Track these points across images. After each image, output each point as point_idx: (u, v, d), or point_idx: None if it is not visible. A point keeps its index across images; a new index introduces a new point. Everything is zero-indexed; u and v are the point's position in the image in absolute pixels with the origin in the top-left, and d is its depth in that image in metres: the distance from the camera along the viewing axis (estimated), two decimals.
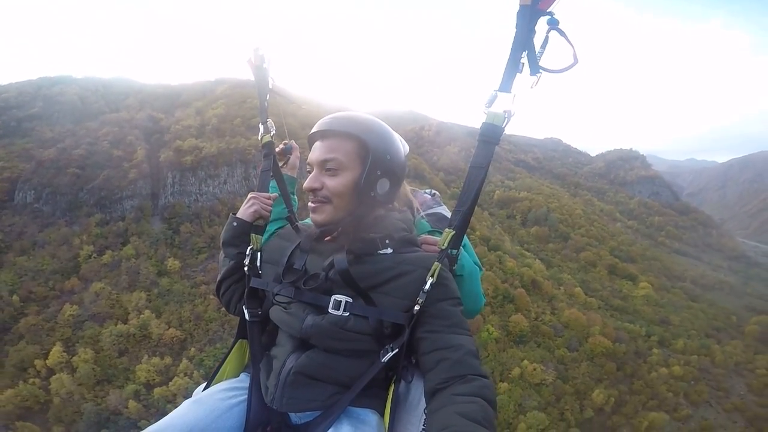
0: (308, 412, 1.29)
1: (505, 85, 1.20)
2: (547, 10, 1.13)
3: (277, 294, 1.36)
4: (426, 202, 1.78)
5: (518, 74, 1.18)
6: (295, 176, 1.86)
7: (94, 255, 54.13)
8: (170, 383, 41.03)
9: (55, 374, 42.53)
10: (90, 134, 67.33)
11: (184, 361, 43.53)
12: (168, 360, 43.74)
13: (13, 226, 58.07)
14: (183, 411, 1.26)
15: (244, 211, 1.57)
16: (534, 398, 43.39)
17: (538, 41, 1.14)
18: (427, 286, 1.23)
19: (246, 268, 1.46)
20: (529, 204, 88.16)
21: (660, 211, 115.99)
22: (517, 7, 1.14)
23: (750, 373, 56.31)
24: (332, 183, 1.31)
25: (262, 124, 1.73)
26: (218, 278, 1.58)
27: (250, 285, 1.44)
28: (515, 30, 1.16)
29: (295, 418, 1.33)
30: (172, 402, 39.70)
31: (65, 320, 47.94)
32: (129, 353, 45.46)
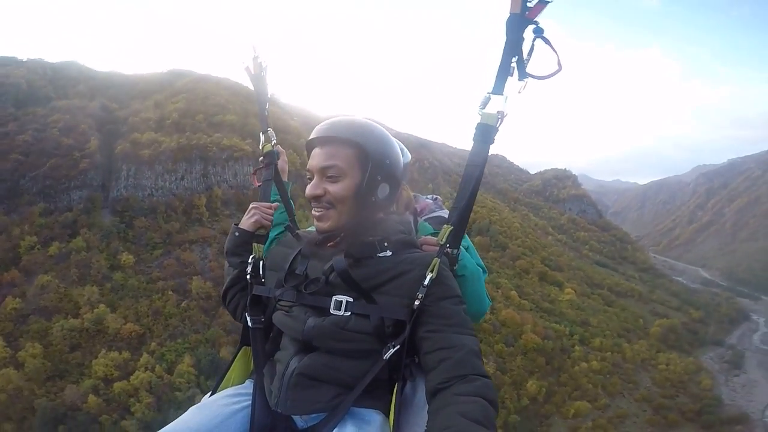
0: (313, 415, 1.31)
1: (498, 88, 1.28)
2: (534, 19, 1.21)
3: (279, 298, 1.40)
4: (428, 206, 1.87)
5: (509, 78, 1.27)
6: (286, 179, 1.89)
7: (38, 246, 51.17)
8: (131, 377, 40.68)
9: None
10: (37, 120, 63.49)
11: (145, 355, 43.08)
12: (126, 354, 43.00)
13: None
14: (187, 417, 1.27)
15: (246, 221, 1.63)
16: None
17: (525, 49, 1.23)
18: (427, 281, 1.24)
19: (248, 277, 1.52)
20: (474, 216, 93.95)
21: (585, 227, 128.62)
22: (507, 15, 1.23)
23: (653, 368, 64.04)
24: (334, 189, 1.33)
25: (263, 133, 1.80)
26: (224, 287, 1.66)
27: (253, 293, 1.50)
28: (506, 36, 1.24)
29: (301, 422, 1.34)
30: (134, 396, 39.76)
31: (7, 314, 45.36)
32: (82, 348, 44.04)
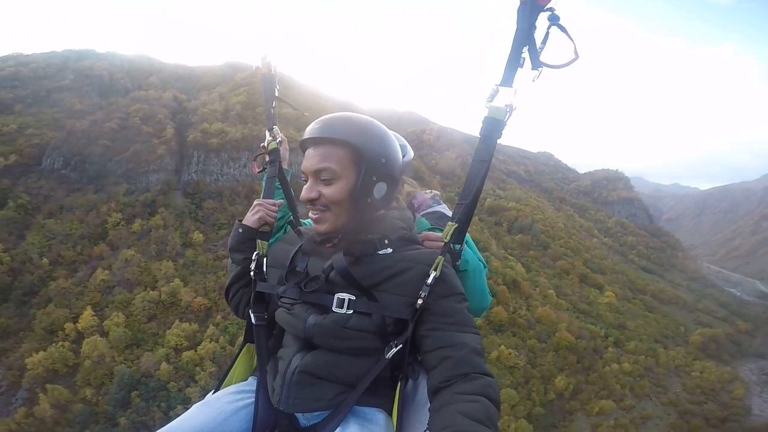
0: (315, 413, 1.31)
1: (507, 80, 1.22)
2: (547, 6, 1.14)
3: (281, 296, 1.39)
4: (425, 201, 1.86)
5: (519, 69, 1.20)
6: (287, 167, 1.87)
7: (122, 223, 58.86)
8: (198, 347, 44.78)
9: (84, 338, 45.03)
10: (121, 110, 72.41)
11: (211, 327, 47.18)
12: (195, 326, 47.24)
13: (40, 189, 62.64)
14: (191, 414, 1.28)
15: (250, 218, 1.60)
16: (507, 378, 50.18)
17: (538, 37, 1.16)
18: (430, 280, 1.22)
19: (252, 273, 1.51)
20: (516, 214, 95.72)
21: (634, 232, 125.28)
22: (518, 3, 1.17)
23: (686, 375, 64.05)
24: (328, 192, 1.30)
25: (269, 130, 1.81)
26: (227, 284, 1.66)
27: (256, 289, 1.49)
28: (516, 25, 1.18)
29: (303, 420, 1.34)
30: (200, 365, 43.61)
31: (96, 285, 50.98)
32: (157, 319, 48.74)
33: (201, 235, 58.91)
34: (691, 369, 64.67)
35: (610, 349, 62.24)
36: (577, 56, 1.15)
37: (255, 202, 1.64)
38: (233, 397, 1.37)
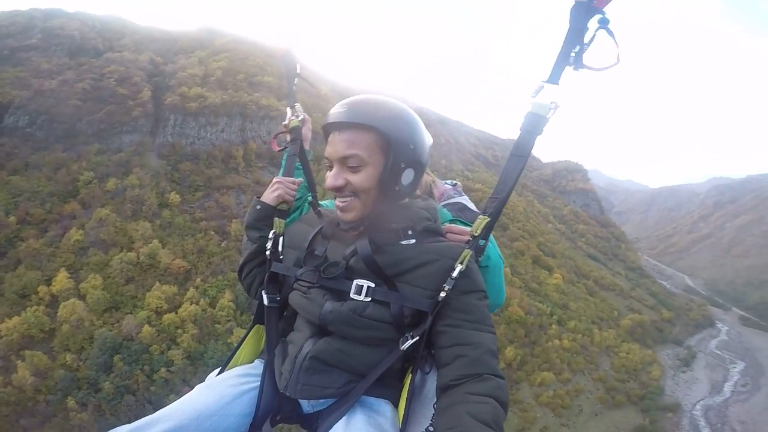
0: (321, 400, 1.30)
1: (554, 77, 1.21)
2: (601, 9, 1.15)
3: (297, 279, 1.38)
4: (447, 191, 1.85)
5: (568, 67, 1.21)
6: (308, 147, 1.84)
7: (95, 181, 57.76)
8: (179, 310, 44.79)
9: (59, 301, 43.35)
10: (93, 70, 70.35)
11: (191, 289, 47.32)
12: (174, 288, 47.24)
13: (2, 146, 59.71)
14: (193, 396, 1.27)
15: (269, 195, 1.59)
16: None
17: (586, 38, 1.17)
18: (456, 273, 1.21)
19: (268, 252, 1.49)
20: (481, 195, 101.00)
21: (586, 221, 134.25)
22: (572, 3, 1.16)
23: (615, 354, 70.70)
24: (356, 179, 1.26)
25: (290, 107, 1.77)
26: (240, 262, 1.63)
27: (271, 270, 1.46)
28: (569, 24, 1.18)
29: (307, 406, 1.34)
30: (181, 327, 43.57)
31: (70, 246, 49.24)
32: (135, 281, 48.04)
33: (178, 196, 59.34)
34: (619, 350, 72.19)
35: (553, 326, 68.79)
36: (618, 61, 1.15)
37: (274, 180, 1.66)
38: (238, 380, 1.37)
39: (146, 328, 42.78)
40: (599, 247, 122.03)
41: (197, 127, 69.36)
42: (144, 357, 41.70)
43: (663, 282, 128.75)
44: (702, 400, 64.48)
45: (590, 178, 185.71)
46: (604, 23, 1.15)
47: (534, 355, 63.00)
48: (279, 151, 1.80)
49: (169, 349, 42.48)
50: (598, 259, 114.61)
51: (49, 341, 41.45)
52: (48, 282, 45.37)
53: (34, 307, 42.51)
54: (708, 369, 75.76)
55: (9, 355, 39.70)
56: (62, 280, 45.06)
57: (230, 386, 1.33)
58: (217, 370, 1.51)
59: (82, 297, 44.58)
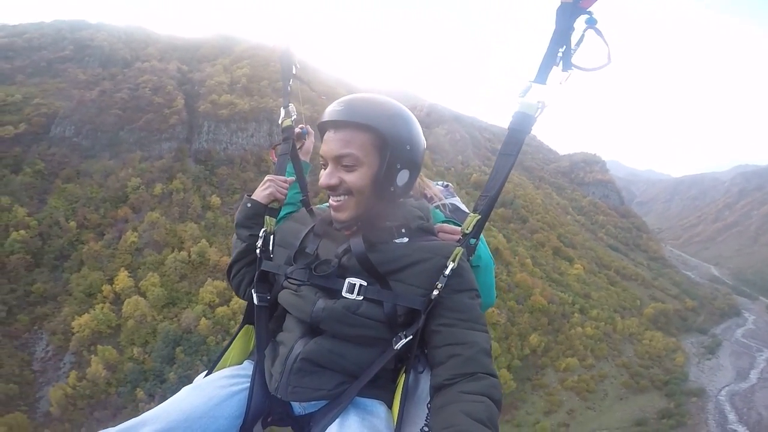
0: (312, 402, 1.30)
1: (541, 77, 1.24)
2: (587, 9, 1.16)
3: (287, 277, 1.38)
4: (438, 193, 1.86)
5: (555, 68, 1.23)
6: (308, 160, 1.94)
7: (142, 187, 63.83)
8: (231, 303, 48.77)
9: (121, 299, 47.72)
10: (129, 80, 77.20)
11: None
12: (224, 284, 49.78)
13: (53, 156, 65.99)
14: (180, 397, 1.26)
15: (260, 193, 1.63)
16: (492, 332, 61.01)
17: (574, 38, 1.20)
18: (448, 271, 1.22)
19: (258, 251, 1.50)
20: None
21: (605, 212, 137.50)
22: (558, 3, 1.18)
23: (638, 342, 74.08)
24: (350, 179, 1.28)
25: (284, 108, 1.81)
26: (230, 261, 1.64)
27: (261, 268, 1.46)
28: (555, 25, 1.20)
29: (299, 408, 1.34)
30: (233, 319, 47.08)
31: (127, 247, 54.71)
32: (188, 278, 52.84)
33: (218, 199, 65.28)
34: (642, 337, 75.34)
35: (576, 314, 72.87)
36: (609, 61, 1.17)
37: (266, 177, 1.69)
38: (227, 381, 1.37)
39: (203, 321, 46.86)
40: (620, 238, 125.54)
41: (229, 132, 75.49)
42: (202, 348, 45.63)
43: (687, 272, 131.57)
44: (728, 386, 66.68)
45: (609, 169, 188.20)
46: (591, 23, 1.18)
47: (558, 342, 67.21)
48: (275, 163, 1.86)
49: (223, 339, 45.18)
50: (619, 249, 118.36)
51: (115, 336, 45.75)
52: (110, 281, 50.43)
53: (101, 305, 46.87)
54: (733, 356, 77.71)
55: (81, 351, 44.09)
56: (123, 279, 50.10)
57: (219, 387, 1.33)
58: (205, 371, 1.53)
59: (142, 294, 49.14)
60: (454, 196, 1.89)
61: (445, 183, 1.97)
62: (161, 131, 71.46)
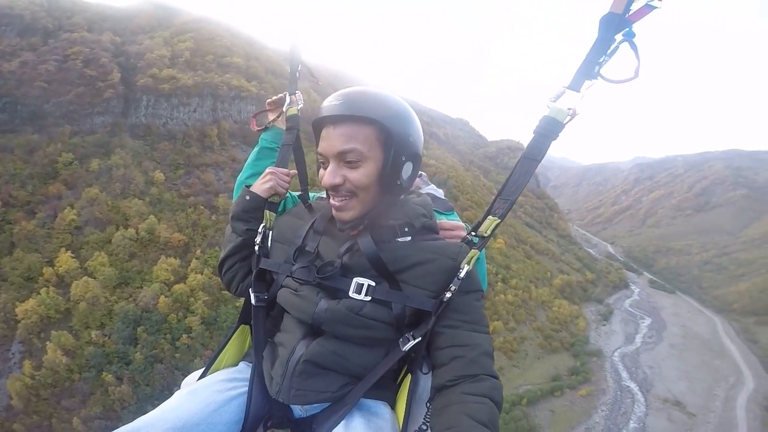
0: (315, 405, 1.31)
1: (576, 84, 1.24)
2: (633, 22, 1.16)
3: (289, 276, 1.36)
4: (416, 182, 1.79)
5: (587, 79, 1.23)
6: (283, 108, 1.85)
7: (75, 162, 61.15)
8: (187, 280, 48.72)
9: (66, 281, 45.73)
10: (56, 51, 72.08)
11: (193, 260, 51.62)
12: (177, 261, 51.33)
13: None
14: (176, 403, 1.22)
15: (260, 186, 1.57)
16: None
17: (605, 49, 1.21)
18: (463, 274, 1.23)
19: (257, 247, 1.47)
20: (435, 170, 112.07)
21: (524, 193, 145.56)
22: (605, 11, 1.17)
23: (549, 308, 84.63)
24: (355, 176, 1.24)
25: (290, 95, 1.77)
26: (222, 255, 1.60)
27: (261, 266, 1.44)
28: (597, 34, 1.20)
29: (299, 411, 1.34)
30: (192, 296, 47.20)
31: (65, 226, 51.84)
32: (138, 256, 51.62)
33: (162, 174, 64.54)
34: (552, 305, 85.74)
35: (499, 284, 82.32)
36: (637, 76, 1.18)
37: (267, 170, 1.62)
38: (224, 386, 1.35)
39: (162, 299, 46.51)
40: (535, 217, 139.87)
41: (170, 107, 74.51)
42: (164, 326, 45.41)
43: (589, 249, 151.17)
44: (619, 348, 78.66)
45: None
46: (629, 36, 1.18)
47: (486, 308, 76.75)
48: (258, 131, 1.86)
49: (185, 317, 46.62)
50: (534, 227, 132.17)
51: (66, 321, 43.83)
52: (50, 263, 47.83)
53: (45, 289, 44.40)
54: (623, 323, 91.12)
55: (30, 339, 41.96)
56: (66, 260, 47.75)
57: (216, 392, 1.31)
58: (198, 372, 1.51)
59: (90, 275, 47.36)
60: (429, 185, 1.94)
61: (420, 172, 1.86)
62: (93, 105, 68.72)
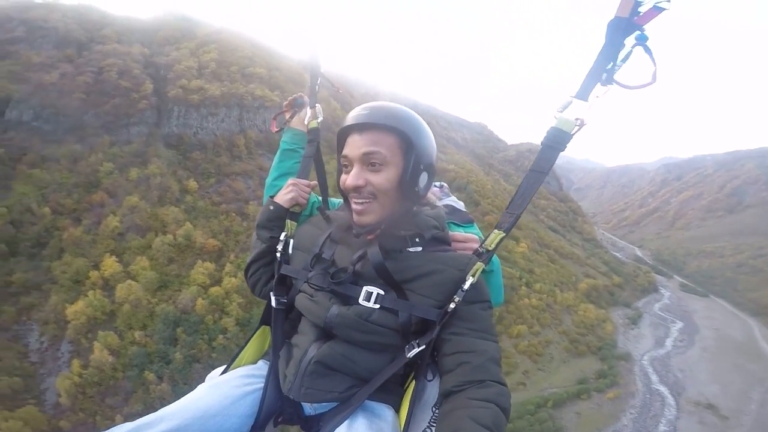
0: (323, 404, 1.40)
1: (583, 93, 1.25)
2: (642, 26, 1.16)
3: (306, 282, 1.46)
4: (435, 193, 1.96)
5: (598, 84, 1.23)
6: (305, 131, 1.97)
7: (116, 171, 64.87)
8: (223, 283, 51.55)
9: (111, 284, 48.61)
10: (92, 63, 76.78)
11: (227, 265, 54.47)
12: (212, 265, 54.38)
13: (12, 140, 64.64)
14: (198, 395, 1.35)
15: (282, 197, 1.72)
16: None
17: (619, 54, 1.20)
18: (467, 286, 1.28)
19: (278, 254, 1.60)
20: (454, 175, 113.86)
21: (546, 197, 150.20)
22: (611, 17, 1.17)
23: (574, 312, 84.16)
24: (377, 179, 1.35)
25: (311, 108, 1.89)
26: (248, 260, 1.75)
27: (281, 272, 1.57)
28: (605, 40, 1.19)
29: (309, 409, 1.44)
30: (227, 298, 49.81)
31: (109, 232, 55.46)
32: (176, 261, 54.70)
33: (195, 183, 68.07)
34: (578, 309, 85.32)
35: (523, 288, 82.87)
36: (654, 80, 1.16)
37: (289, 181, 1.78)
38: (242, 381, 1.47)
39: (199, 301, 49.04)
40: (558, 220, 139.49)
41: (199, 117, 78.42)
42: (201, 327, 47.88)
43: (615, 253, 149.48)
44: (648, 352, 77.97)
45: None
46: (642, 40, 1.18)
47: (509, 312, 76.68)
48: (276, 132, 1.99)
49: (220, 318, 49.13)
50: (558, 231, 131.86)
51: (111, 322, 46.48)
52: (96, 267, 50.99)
53: (92, 291, 47.27)
54: (652, 327, 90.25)
55: (78, 339, 44.63)
56: (111, 264, 50.88)
57: (234, 387, 1.43)
58: (221, 368, 1.64)
59: (133, 278, 50.25)
60: (449, 196, 2.01)
61: (441, 183, 2.06)
62: (129, 116, 72.78)
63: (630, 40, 1.19)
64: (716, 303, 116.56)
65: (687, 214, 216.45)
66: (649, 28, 1.17)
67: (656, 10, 1.15)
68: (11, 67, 74.87)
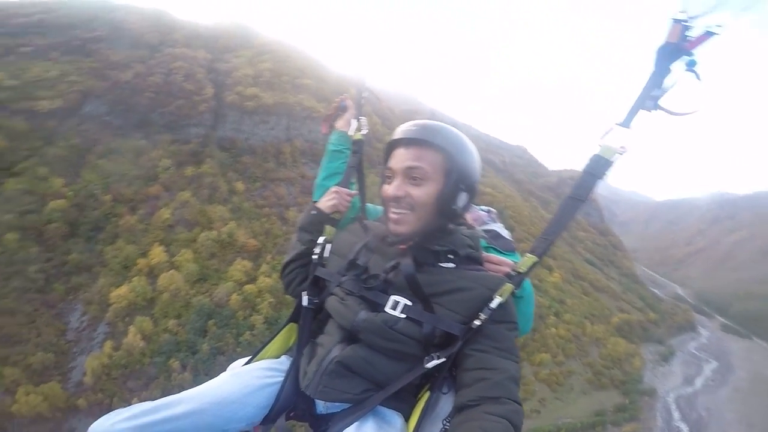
0: (336, 404, 1.44)
1: (627, 120, 1.25)
2: (691, 51, 1.14)
3: (338, 285, 1.54)
4: (481, 217, 1.97)
5: (643, 112, 1.22)
6: (347, 132, 2.06)
7: (172, 168, 69.99)
8: (257, 281, 53.44)
9: (155, 272, 50.91)
10: (162, 65, 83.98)
11: (263, 265, 56.60)
12: (250, 264, 56.65)
13: (86, 132, 70.93)
14: (219, 382, 1.46)
15: (324, 203, 1.82)
16: None
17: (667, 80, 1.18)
18: (494, 304, 1.32)
19: (315, 256, 1.67)
20: (491, 199, 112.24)
21: (585, 229, 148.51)
22: (661, 42, 1.15)
23: (603, 346, 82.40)
24: (417, 192, 1.41)
25: (356, 119, 1.99)
26: (286, 259, 1.83)
27: (316, 273, 1.64)
28: (653, 67, 1.18)
29: (322, 407, 1.49)
30: (259, 297, 51.49)
31: (160, 224, 59.05)
32: (217, 256, 57.31)
33: (242, 185, 72.56)
34: (607, 342, 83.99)
35: (551, 317, 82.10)
36: (701, 107, 1.16)
37: (332, 188, 1.87)
38: (263, 373, 1.56)
39: (234, 296, 50.70)
40: (596, 253, 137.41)
41: (252, 124, 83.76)
42: (232, 321, 49.25)
43: (654, 289, 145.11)
44: (675, 389, 76.47)
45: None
46: (691, 65, 1.15)
47: (534, 340, 76.20)
48: (325, 133, 2.07)
49: (251, 315, 50.57)
50: (595, 263, 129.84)
51: (149, 308, 48.22)
52: (144, 255, 54.05)
53: (137, 277, 49.56)
54: (684, 365, 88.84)
55: (116, 322, 46.50)
56: (159, 253, 53.76)
57: (255, 377, 1.52)
58: (245, 359, 1.72)
59: (176, 268, 52.57)
60: (495, 222, 1.99)
61: (489, 208, 2.07)
62: (190, 117, 78.78)
63: (676, 66, 1.19)
64: (758, 345, 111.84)
65: (738, 256, 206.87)
66: (699, 53, 1.16)
67: (707, 35, 1.14)
68: (92, 64, 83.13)
